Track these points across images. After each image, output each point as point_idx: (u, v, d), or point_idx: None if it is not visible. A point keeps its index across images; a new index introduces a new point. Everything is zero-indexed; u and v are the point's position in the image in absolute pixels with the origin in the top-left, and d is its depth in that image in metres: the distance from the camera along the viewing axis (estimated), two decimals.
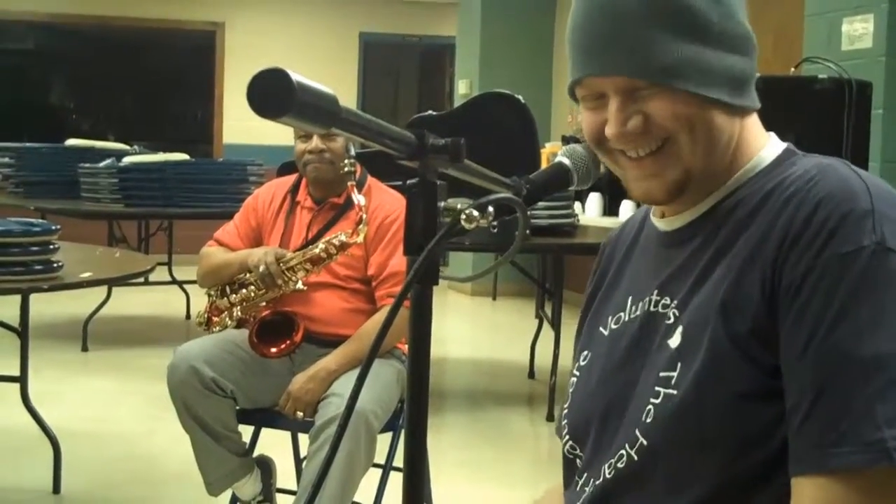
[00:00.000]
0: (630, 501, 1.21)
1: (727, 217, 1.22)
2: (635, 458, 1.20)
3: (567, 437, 1.37)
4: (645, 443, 1.19)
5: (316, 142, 3.15)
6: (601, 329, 1.36)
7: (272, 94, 0.75)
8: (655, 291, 1.27)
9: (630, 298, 1.33)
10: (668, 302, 1.24)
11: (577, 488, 1.31)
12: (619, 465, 1.23)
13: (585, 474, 1.30)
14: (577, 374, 1.38)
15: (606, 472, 1.25)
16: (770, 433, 1.11)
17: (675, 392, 1.17)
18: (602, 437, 1.28)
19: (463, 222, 0.98)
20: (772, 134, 1.30)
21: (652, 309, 1.25)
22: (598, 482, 1.27)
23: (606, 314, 1.37)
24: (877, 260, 1.07)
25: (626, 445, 1.21)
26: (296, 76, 0.75)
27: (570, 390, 1.39)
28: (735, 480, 1.13)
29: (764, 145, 1.27)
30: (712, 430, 1.13)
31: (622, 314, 1.33)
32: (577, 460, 1.34)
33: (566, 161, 1.29)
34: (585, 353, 1.38)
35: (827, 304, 1.07)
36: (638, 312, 1.29)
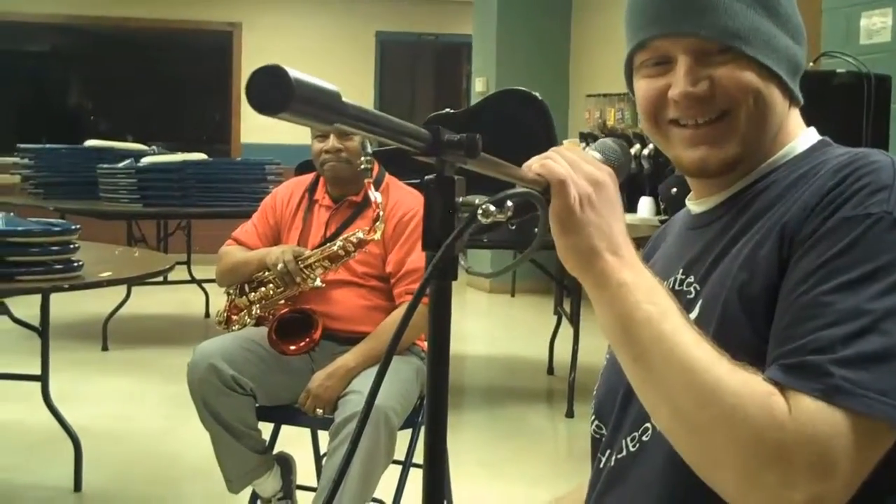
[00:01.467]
0: (652, 473, 1.21)
1: (755, 199, 1.23)
2: (659, 430, 1.20)
3: (593, 416, 1.38)
4: None
5: (333, 140, 3.16)
6: None
7: (271, 91, 0.75)
8: (681, 271, 1.28)
9: None
10: (691, 280, 1.25)
11: (601, 465, 1.32)
12: (644, 437, 1.24)
13: (608, 450, 1.31)
14: (608, 356, 1.39)
15: (630, 445, 1.26)
16: None
17: None
18: (624, 412, 1.29)
19: (480, 217, 0.97)
20: (811, 128, 1.31)
21: (676, 287, 1.26)
22: (620, 455, 1.28)
23: None
24: (881, 227, 1.07)
25: (651, 418, 1.21)
26: (294, 72, 0.75)
27: (600, 373, 1.41)
28: None
29: (800, 135, 1.29)
30: None
31: None
32: (602, 439, 1.35)
33: (597, 156, 1.25)
34: None
35: (821, 260, 1.08)
36: None
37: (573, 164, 1.12)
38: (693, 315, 1.19)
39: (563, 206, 1.10)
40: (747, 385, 1.03)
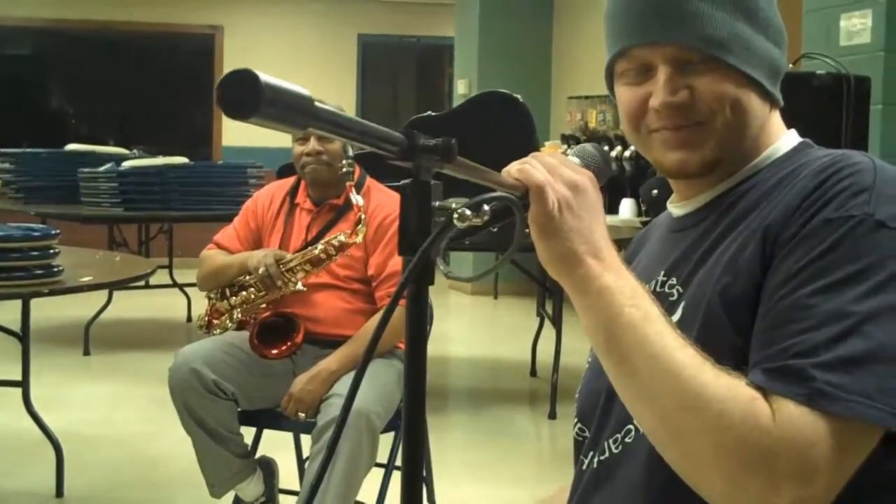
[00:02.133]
0: (635, 474, 1.22)
1: (738, 201, 1.23)
2: (642, 432, 1.20)
3: (576, 419, 1.39)
4: None
5: (313, 144, 3.15)
6: None
7: (241, 95, 0.74)
8: (662, 273, 1.28)
9: None
10: (674, 282, 1.25)
11: (584, 467, 1.32)
12: (627, 439, 1.24)
13: (591, 452, 1.31)
14: (590, 360, 1.39)
15: (612, 447, 1.26)
16: None
17: None
18: (606, 414, 1.29)
19: (455, 221, 0.97)
20: (792, 130, 1.31)
21: (658, 290, 1.26)
22: (602, 457, 1.28)
23: None
24: (863, 229, 1.07)
25: (634, 420, 1.21)
26: (265, 77, 0.75)
27: (583, 376, 1.41)
28: None
29: (781, 137, 1.29)
30: None
31: None
32: (585, 441, 1.35)
33: (577, 161, 1.25)
34: None
35: (803, 262, 1.08)
36: None
37: (552, 169, 1.12)
38: (675, 317, 1.19)
39: (542, 211, 1.10)
40: (731, 390, 1.03)
